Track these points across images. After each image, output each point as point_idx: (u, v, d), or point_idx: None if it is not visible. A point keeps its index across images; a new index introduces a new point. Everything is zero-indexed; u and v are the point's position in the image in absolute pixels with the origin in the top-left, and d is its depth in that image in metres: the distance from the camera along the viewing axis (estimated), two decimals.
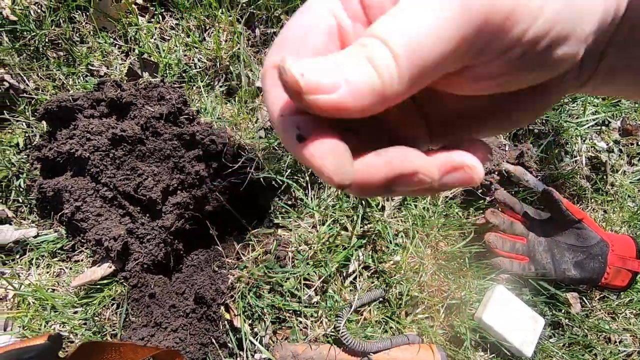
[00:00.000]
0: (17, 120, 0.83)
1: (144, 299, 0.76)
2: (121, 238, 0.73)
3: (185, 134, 0.83)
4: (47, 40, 0.88)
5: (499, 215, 0.89)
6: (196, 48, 0.96)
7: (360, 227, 0.88)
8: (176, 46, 0.95)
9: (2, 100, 0.82)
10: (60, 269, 0.79)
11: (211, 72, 0.96)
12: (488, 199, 0.95)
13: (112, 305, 0.76)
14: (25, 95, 0.83)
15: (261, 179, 0.89)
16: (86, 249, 0.77)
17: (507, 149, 0.99)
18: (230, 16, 0.98)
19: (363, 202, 0.90)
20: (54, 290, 0.76)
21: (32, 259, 0.77)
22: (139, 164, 0.79)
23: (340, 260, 0.83)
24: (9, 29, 0.85)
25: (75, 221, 0.75)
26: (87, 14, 0.92)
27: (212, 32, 0.99)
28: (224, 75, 0.97)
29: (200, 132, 0.84)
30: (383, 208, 0.90)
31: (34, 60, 0.86)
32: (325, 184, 0.93)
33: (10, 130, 0.83)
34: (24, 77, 0.84)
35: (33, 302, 0.74)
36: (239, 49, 0.96)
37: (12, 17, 0.83)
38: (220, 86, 0.96)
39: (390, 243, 0.88)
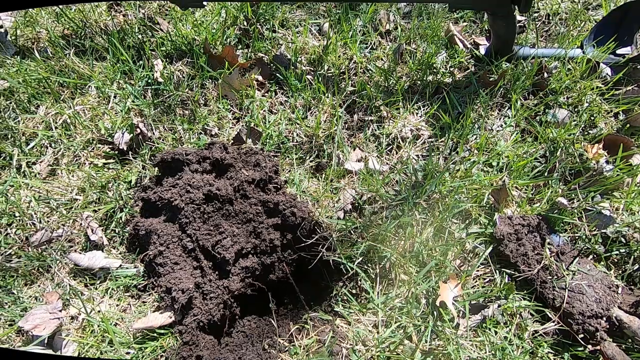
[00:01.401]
0: (137, 161, 0.95)
1: None
2: (189, 292, 0.75)
3: (270, 202, 0.86)
4: (179, 99, 1.03)
5: None
6: (297, 124, 1.03)
7: (427, 342, 0.78)
8: (281, 120, 1.04)
9: (132, 143, 0.95)
10: (128, 304, 0.82)
11: (306, 147, 1.02)
12: (590, 348, 0.79)
13: (162, 357, 0.75)
14: (149, 142, 0.96)
15: (330, 261, 0.87)
16: (155, 292, 0.80)
17: (619, 292, 0.83)
18: (335, 101, 1.06)
19: (435, 313, 0.81)
20: (116, 324, 0.79)
21: (109, 288, 0.83)
22: (223, 222, 0.83)
23: None
24: (155, 87, 1.02)
25: (155, 264, 0.80)
26: (216, 82, 1.07)
27: (314, 112, 1.07)
28: (316, 152, 1.01)
29: (284, 203, 0.87)
30: (457, 326, 0.80)
31: (165, 114, 1.01)
32: (396, 280, 0.87)
33: (128, 168, 0.95)
34: (153, 127, 0.98)
35: (97, 331, 0.78)
36: (335, 130, 1.01)
37: (160, 79, 1.00)
38: (311, 161, 1.00)
39: None
